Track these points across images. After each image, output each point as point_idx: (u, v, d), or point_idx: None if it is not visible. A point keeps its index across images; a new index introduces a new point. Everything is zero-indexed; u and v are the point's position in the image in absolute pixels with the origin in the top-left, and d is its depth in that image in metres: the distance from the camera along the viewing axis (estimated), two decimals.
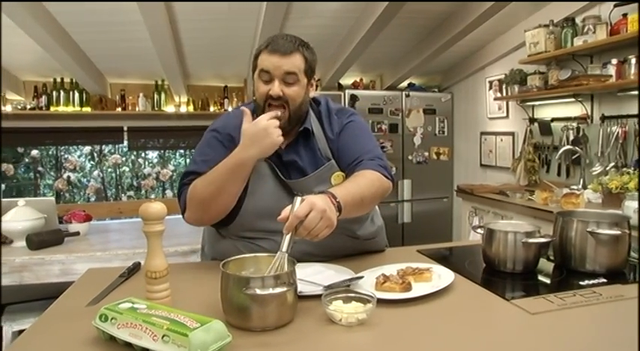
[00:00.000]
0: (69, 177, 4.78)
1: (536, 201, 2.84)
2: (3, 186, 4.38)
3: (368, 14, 3.29)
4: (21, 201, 2.54)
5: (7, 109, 3.88)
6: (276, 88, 1.28)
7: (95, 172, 5.07)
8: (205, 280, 1.19)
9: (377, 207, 1.67)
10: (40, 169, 4.86)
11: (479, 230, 1.40)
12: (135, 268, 1.31)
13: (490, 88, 4.24)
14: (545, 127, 3.54)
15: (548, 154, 3.56)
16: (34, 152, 4.71)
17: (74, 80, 3.96)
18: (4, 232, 2.48)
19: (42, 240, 2.42)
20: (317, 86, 4.64)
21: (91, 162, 5.17)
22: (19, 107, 3.92)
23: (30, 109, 3.92)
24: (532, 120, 3.70)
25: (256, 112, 1.36)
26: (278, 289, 0.90)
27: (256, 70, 1.33)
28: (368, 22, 3.29)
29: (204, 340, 0.75)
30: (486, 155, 4.38)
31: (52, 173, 4.96)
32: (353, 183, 1.25)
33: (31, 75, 3.98)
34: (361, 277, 1.15)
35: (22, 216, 2.47)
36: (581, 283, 1.19)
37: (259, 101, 1.33)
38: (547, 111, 3.59)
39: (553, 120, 3.49)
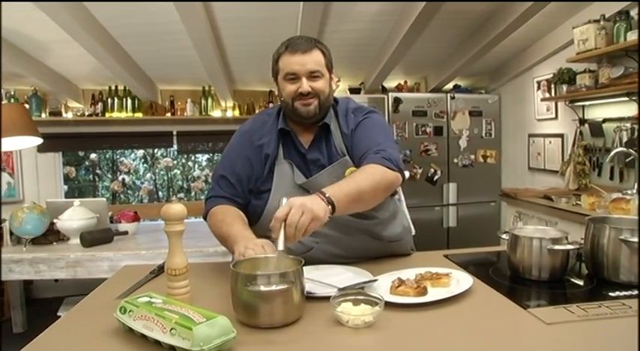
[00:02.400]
0: (124, 179, 5.06)
1: (582, 206, 2.71)
2: (66, 187, 4.70)
3: (406, 16, 3.26)
4: (76, 201, 2.74)
5: (69, 115, 4.18)
6: (305, 85, 1.36)
7: (148, 175, 5.34)
8: (226, 280, 1.23)
9: (405, 210, 1.66)
10: (98, 171, 5.19)
11: (504, 236, 1.36)
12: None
13: (538, 88, 4.07)
14: (597, 129, 3.36)
15: (600, 156, 3.36)
16: (93, 156, 5.04)
17: (127, 88, 4.19)
18: (61, 230, 2.69)
19: (94, 238, 2.60)
20: (360, 89, 4.57)
21: (145, 165, 5.45)
22: (79, 114, 4.20)
23: (88, 115, 4.19)
24: (582, 121, 3.51)
25: (285, 113, 1.45)
26: (281, 286, 0.93)
27: (279, 73, 1.40)
28: (406, 23, 3.26)
29: (208, 334, 0.79)
30: (534, 158, 4.21)
31: (109, 175, 5.27)
32: (348, 179, 1.27)
33: (89, 84, 4.25)
34: (375, 280, 1.16)
35: (77, 215, 2.66)
36: (611, 294, 1.13)
37: (287, 99, 1.40)
38: (598, 111, 3.39)
39: (605, 121, 3.29)
